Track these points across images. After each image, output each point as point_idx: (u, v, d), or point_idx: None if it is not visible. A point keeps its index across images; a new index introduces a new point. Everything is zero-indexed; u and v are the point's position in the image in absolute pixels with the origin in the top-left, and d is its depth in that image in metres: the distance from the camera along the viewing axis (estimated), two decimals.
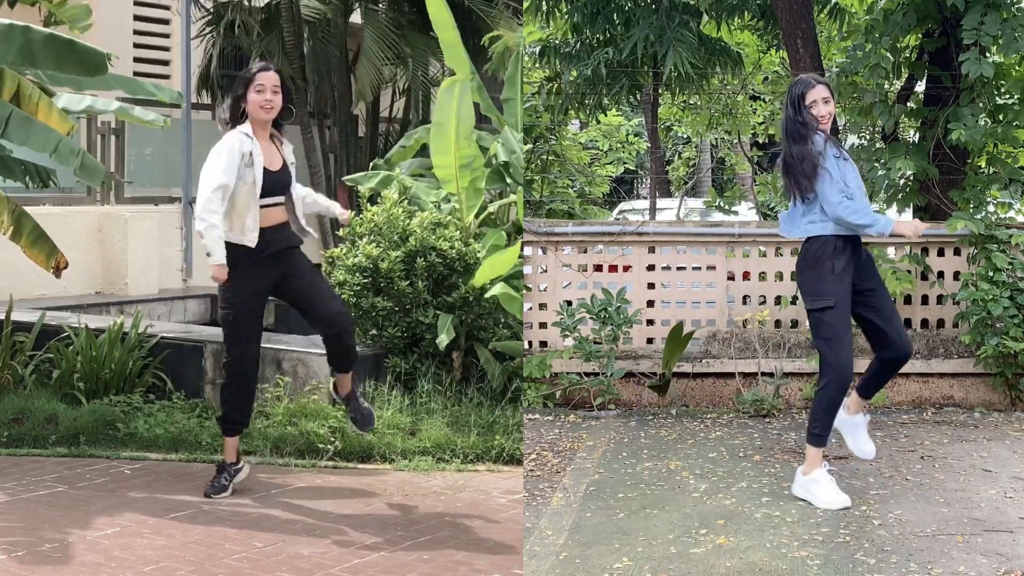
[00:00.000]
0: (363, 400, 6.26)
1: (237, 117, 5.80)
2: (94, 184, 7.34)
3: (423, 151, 8.55)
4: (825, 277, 5.67)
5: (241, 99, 5.76)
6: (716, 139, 17.21)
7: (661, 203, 14.09)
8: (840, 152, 5.79)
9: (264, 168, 5.76)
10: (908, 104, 9.11)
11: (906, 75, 9.06)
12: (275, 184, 5.81)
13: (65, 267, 7.27)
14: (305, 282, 5.93)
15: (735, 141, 15.83)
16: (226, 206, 5.66)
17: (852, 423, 6.13)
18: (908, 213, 9.23)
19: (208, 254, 5.65)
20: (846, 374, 5.67)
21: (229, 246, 5.68)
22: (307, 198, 6.19)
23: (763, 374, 7.97)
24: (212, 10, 12.99)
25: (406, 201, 7.76)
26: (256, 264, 5.78)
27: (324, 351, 7.09)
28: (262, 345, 7.24)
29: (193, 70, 12.35)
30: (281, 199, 5.86)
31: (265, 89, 5.73)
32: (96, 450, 6.72)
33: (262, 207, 5.75)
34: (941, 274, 8.30)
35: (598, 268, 8.63)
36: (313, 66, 12.51)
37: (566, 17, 10.71)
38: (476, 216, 7.74)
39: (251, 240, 5.72)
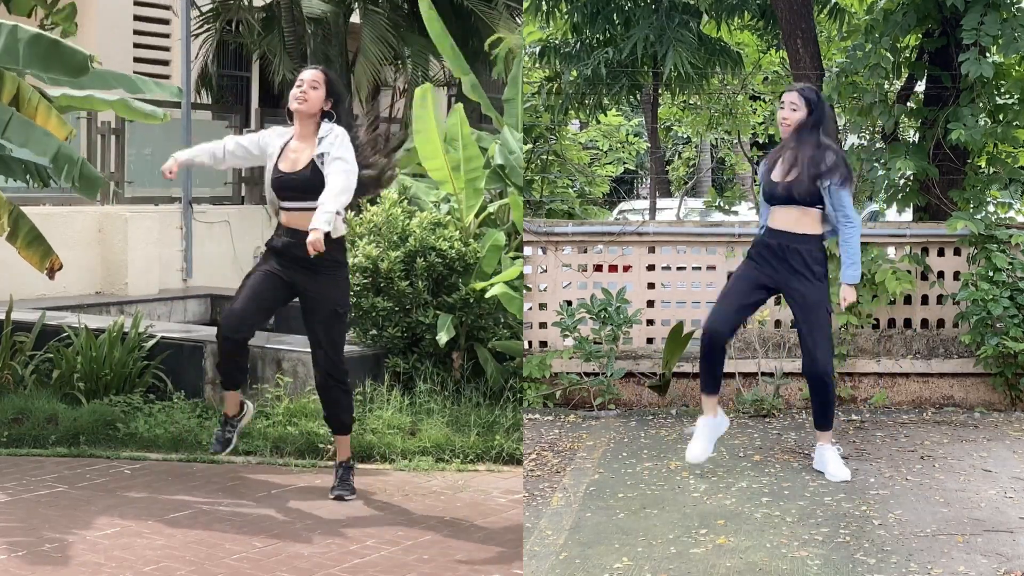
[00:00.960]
0: (352, 479, 5.97)
1: (289, 118, 5.88)
2: (92, 196, 7.31)
3: None
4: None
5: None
6: (716, 139, 17.20)
7: (661, 203, 14.10)
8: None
9: (276, 167, 5.77)
10: (908, 104, 9.11)
11: (906, 75, 9.06)
12: (287, 186, 5.76)
13: (59, 269, 7.26)
14: (310, 317, 5.84)
15: (735, 141, 15.83)
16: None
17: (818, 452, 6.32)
18: (908, 213, 9.23)
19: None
20: (706, 332, 6.16)
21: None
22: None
23: (763, 374, 7.97)
24: (211, 8, 12.99)
25: (406, 201, 7.76)
26: (276, 254, 5.84)
27: None
28: (263, 345, 7.24)
29: (193, 69, 12.35)
30: (302, 204, 5.72)
31: (303, 83, 5.79)
32: (96, 450, 6.72)
33: (284, 208, 5.79)
34: (941, 274, 8.30)
35: (598, 268, 8.63)
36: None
37: (566, 17, 10.71)
38: (476, 216, 7.75)
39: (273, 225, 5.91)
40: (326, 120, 5.80)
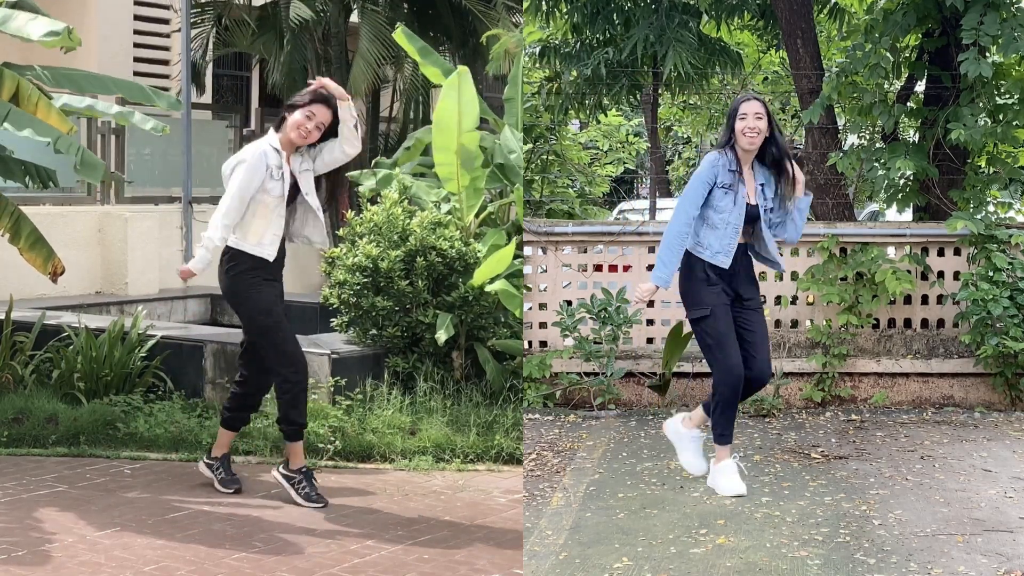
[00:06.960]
0: (315, 482, 5.85)
1: (278, 126, 5.78)
2: (94, 181, 7.30)
3: (426, 152, 8.56)
4: (699, 288, 5.72)
5: (289, 111, 5.73)
6: (716, 139, 17.16)
7: (661, 203, 14.05)
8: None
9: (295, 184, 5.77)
10: (908, 104, 9.11)
11: (906, 75, 9.06)
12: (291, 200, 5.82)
13: (62, 272, 7.25)
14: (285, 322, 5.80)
15: None
16: (245, 216, 5.64)
17: (689, 436, 6.04)
18: (908, 213, 9.23)
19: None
20: (732, 375, 5.65)
21: (244, 255, 5.65)
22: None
23: None
24: (207, 3, 12.97)
25: (406, 200, 7.76)
26: (272, 274, 5.77)
27: (324, 350, 7.12)
28: None
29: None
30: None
31: (313, 117, 5.70)
32: (96, 450, 6.72)
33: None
34: (941, 274, 8.31)
35: (598, 268, 8.63)
36: (312, 66, 12.51)
37: (566, 17, 10.71)
38: (476, 216, 7.75)
39: (269, 254, 5.69)
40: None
